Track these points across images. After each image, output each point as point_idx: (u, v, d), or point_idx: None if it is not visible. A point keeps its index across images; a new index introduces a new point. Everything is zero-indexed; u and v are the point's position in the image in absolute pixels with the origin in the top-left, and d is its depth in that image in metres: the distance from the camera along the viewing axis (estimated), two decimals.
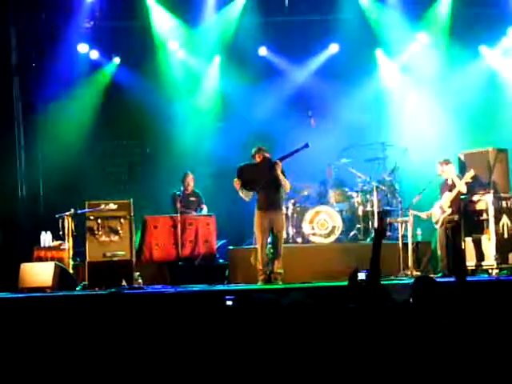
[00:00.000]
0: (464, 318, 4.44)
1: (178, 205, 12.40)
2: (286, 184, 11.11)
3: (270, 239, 11.29)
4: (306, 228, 12.73)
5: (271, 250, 11.28)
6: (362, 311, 4.29)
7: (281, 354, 3.83)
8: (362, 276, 4.79)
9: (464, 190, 11.74)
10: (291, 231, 12.88)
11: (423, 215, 12.10)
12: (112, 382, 4.08)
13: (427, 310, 4.65)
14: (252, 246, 11.83)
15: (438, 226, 11.93)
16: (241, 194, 11.13)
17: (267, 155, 11.24)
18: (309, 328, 3.96)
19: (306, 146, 11.26)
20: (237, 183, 11.07)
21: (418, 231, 12.71)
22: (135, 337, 4.34)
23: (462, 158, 12.38)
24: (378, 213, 12.41)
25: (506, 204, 11.81)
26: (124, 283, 11.05)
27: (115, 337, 4.39)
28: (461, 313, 4.53)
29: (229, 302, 5.13)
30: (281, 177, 11.00)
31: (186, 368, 4.01)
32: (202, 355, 3.93)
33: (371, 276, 4.82)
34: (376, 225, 12.32)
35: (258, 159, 11.25)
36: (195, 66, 15.03)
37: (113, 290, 10.28)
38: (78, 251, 11.90)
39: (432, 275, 11.17)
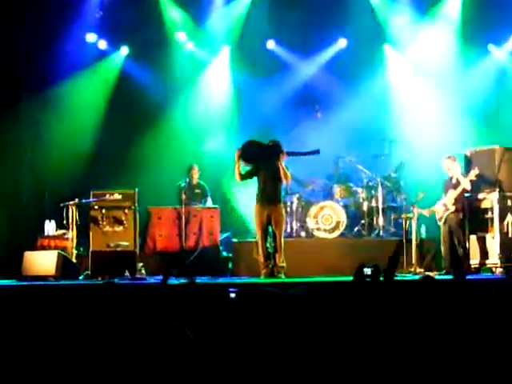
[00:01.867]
0: (464, 316, 4.43)
1: (183, 196, 12.38)
2: (287, 176, 11.03)
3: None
4: (310, 223, 12.72)
5: (272, 244, 11.25)
6: (367, 305, 4.28)
7: (283, 347, 3.83)
8: (367, 271, 4.78)
9: (468, 187, 11.70)
10: (295, 225, 12.87)
11: (426, 212, 12.08)
12: (111, 372, 4.09)
13: (427, 308, 4.64)
14: (254, 240, 11.82)
15: (441, 224, 11.91)
16: (236, 169, 11.00)
17: (278, 143, 11.16)
18: (311, 322, 3.96)
19: (317, 152, 11.22)
20: (237, 153, 10.99)
21: (423, 228, 12.69)
22: (135, 327, 4.34)
23: (469, 155, 12.34)
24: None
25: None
26: (127, 273, 11.07)
27: (115, 327, 4.39)
28: (460, 311, 4.52)
29: (232, 295, 5.13)
30: (282, 167, 10.94)
31: (188, 359, 4.01)
32: (204, 346, 3.93)
33: (388, 273, 4.82)
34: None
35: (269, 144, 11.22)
36: (203, 58, 15.02)
37: (110, 280, 10.29)
38: (82, 241, 11.91)
39: (436, 273, 11.20)
